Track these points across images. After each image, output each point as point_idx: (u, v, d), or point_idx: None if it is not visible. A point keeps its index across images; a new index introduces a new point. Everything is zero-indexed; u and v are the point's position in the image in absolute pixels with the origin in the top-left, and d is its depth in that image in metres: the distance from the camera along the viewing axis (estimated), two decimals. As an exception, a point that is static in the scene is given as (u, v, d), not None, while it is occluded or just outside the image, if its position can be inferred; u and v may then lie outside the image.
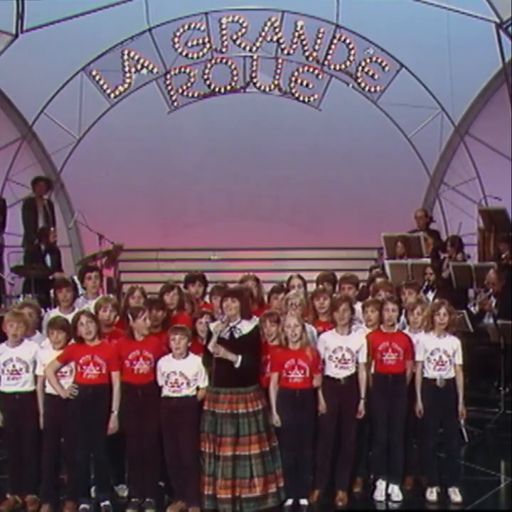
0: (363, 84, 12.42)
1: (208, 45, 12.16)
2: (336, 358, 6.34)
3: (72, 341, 6.28)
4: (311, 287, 7.23)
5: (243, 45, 12.24)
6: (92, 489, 6.35)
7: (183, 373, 6.14)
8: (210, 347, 6.05)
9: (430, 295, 8.55)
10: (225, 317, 6.18)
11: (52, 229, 10.86)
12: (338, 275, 7.42)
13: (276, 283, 7.21)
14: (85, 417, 6.15)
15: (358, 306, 6.72)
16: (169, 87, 12.33)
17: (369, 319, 6.60)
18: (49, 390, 6.24)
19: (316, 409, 6.31)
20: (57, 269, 10.57)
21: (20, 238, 11.21)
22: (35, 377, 6.28)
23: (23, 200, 11.44)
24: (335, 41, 12.22)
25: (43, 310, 7.83)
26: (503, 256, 9.94)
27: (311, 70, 12.42)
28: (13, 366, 6.26)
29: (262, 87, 12.49)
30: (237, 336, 6.09)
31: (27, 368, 6.27)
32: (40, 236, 10.75)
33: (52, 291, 7.63)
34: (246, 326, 6.13)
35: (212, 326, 6.17)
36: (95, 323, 6.22)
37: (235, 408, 6.05)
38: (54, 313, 6.92)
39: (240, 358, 6.02)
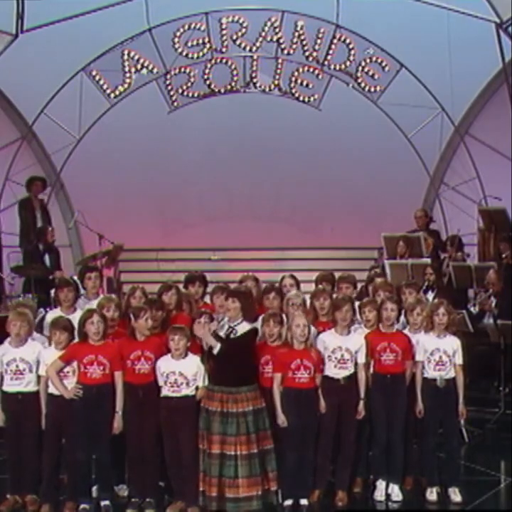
0: (363, 84, 12.41)
1: (208, 45, 12.15)
2: (335, 358, 6.35)
3: (75, 341, 6.28)
4: (311, 287, 7.24)
5: (243, 45, 12.23)
6: (93, 489, 6.36)
7: (182, 373, 6.14)
8: (195, 325, 6.10)
9: (430, 295, 8.55)
10: (221, 316, 6.20)
11: (49, 228, 10.84)
12: (338, 275, 7.43)
13: (276, 283, 7.22)
14: (89, 417, 6.15)
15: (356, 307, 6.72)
16: (169, 87, 12.33)
17: (367, 319, 6.60)
18: (51, 390, 6.23)
19: (317, 409, 6.32)
20: (57, 268, 10.56)
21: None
22: (38, 377, 6.27)
23: (18, 201, 11.44)
24: (335, 41, 12.21)
25: (42, 310, 7.86)
26: (504, 256, 9.93)
27: (311, 70, 12.41)
28: (17, 366, 6.26)
29: (262, 87, 12.49)
30: (232, 336, 6.10)
31: (30, 368, 6.26)
32: (38, 235, 10.75)
33: (52, 291, 7.61)
34: (242, 329, 6.13)
35: (212, 325, 6.20)
36: (104, 324, 6.22)
37: (225, 407, 6.07)
38: (56, 313, 6.90)
39: (219, 345, 6.02)
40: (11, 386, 6.28)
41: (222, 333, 6.12)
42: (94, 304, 6.74)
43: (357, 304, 6.76)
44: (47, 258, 10.58)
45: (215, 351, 6.04)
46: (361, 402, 6.38)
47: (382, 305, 6.55)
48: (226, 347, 6.03)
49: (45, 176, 12.06)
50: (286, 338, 6.28)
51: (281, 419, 6.21)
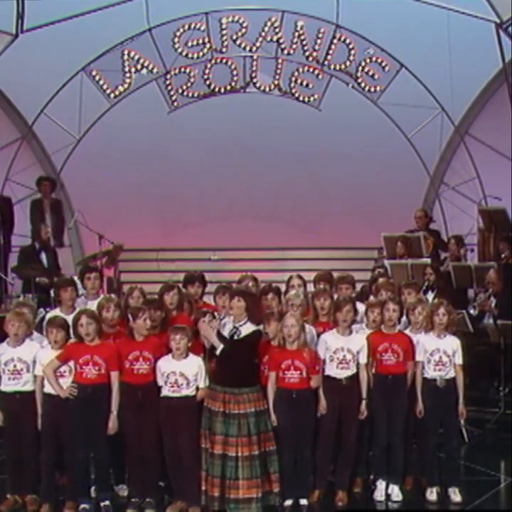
0: (363, 84, 12.42)
1: (208, 45, 12.17)
2: (337, 358, 6.35)
3: (72, 340, 6.28)
4: (310, 287, 7.23)
5: (243, 45, 12.25)
6: (92, 489, 6.36)
7: (182, 373, 6.14)
8: (200, 324, 6.10)
9: (430, 295, 8.54)
10: (223, 315, 6.19)
11: (43, 226, 10.82)
12: (337, 276, 7.41)
13: (276, 283, 7.21)
14: (85, 416, 6.14)
15: (358, 306, 6.70)
16: (169, 87, 12.34)
17: (373, 320, 6.58)
18: (48, 389, 6.24)
19: (315, 409, 6.31)
20: (55, 267, 10.53)
21: (21, 238, 11.20)
22: (35, 377, 6.28)
23: (30, 201, 11.46)
24: (335, 41, 12.22)
25: (42, 310, 7.84)
26: (503, 256, 9.93)
27: (311, 70, 12.43)
28: (14, 366, 6.27)
29: (262, 87, 12.50)
30: (235, 337, 6.09)
31: (28, 367, 6.27)
32: (33, 234, 10.73)
33: (52, 290, 7.60)
34: (246, 329, 6.12)
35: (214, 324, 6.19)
36: (95, 325, 6.21)
37: (227, 408, 6.06)
38: (55, 313, 6.88)
39: (221, 346, 6.02)
40: (8, 386, 6.29)
41: (225, 333, 6.12)
42: (94, 304, 6.74)
43: (359, 303, 6.75)
44: (43, 257, 10.55)
45: (218, 351, 6.04)
46: (363, 402, 6.38)
47: (385, 305, 6.55)
48: (229, 348, 6.02)
49: (48, 175, 12.08)
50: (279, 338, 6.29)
51: (272, 419, 6.21)
